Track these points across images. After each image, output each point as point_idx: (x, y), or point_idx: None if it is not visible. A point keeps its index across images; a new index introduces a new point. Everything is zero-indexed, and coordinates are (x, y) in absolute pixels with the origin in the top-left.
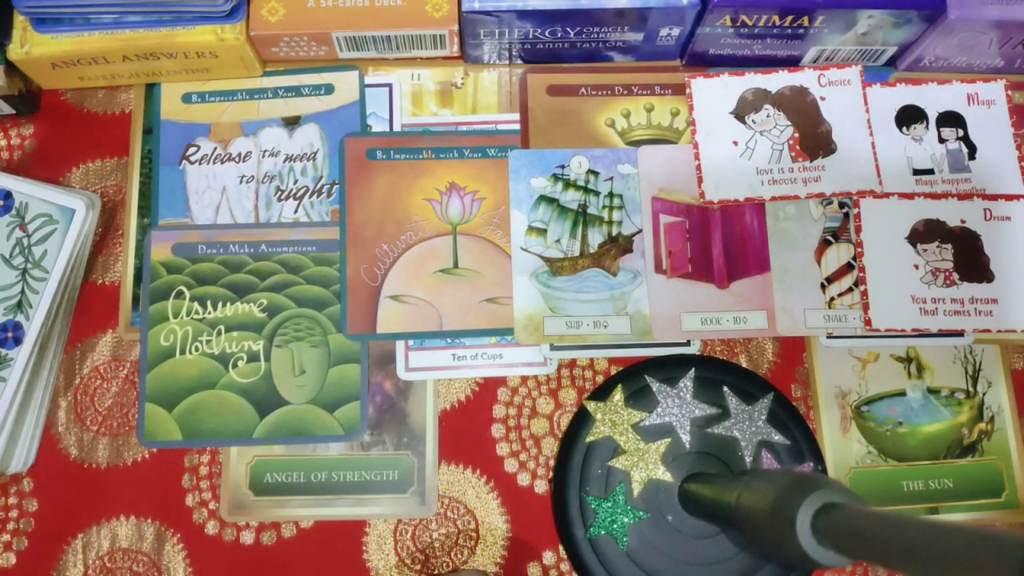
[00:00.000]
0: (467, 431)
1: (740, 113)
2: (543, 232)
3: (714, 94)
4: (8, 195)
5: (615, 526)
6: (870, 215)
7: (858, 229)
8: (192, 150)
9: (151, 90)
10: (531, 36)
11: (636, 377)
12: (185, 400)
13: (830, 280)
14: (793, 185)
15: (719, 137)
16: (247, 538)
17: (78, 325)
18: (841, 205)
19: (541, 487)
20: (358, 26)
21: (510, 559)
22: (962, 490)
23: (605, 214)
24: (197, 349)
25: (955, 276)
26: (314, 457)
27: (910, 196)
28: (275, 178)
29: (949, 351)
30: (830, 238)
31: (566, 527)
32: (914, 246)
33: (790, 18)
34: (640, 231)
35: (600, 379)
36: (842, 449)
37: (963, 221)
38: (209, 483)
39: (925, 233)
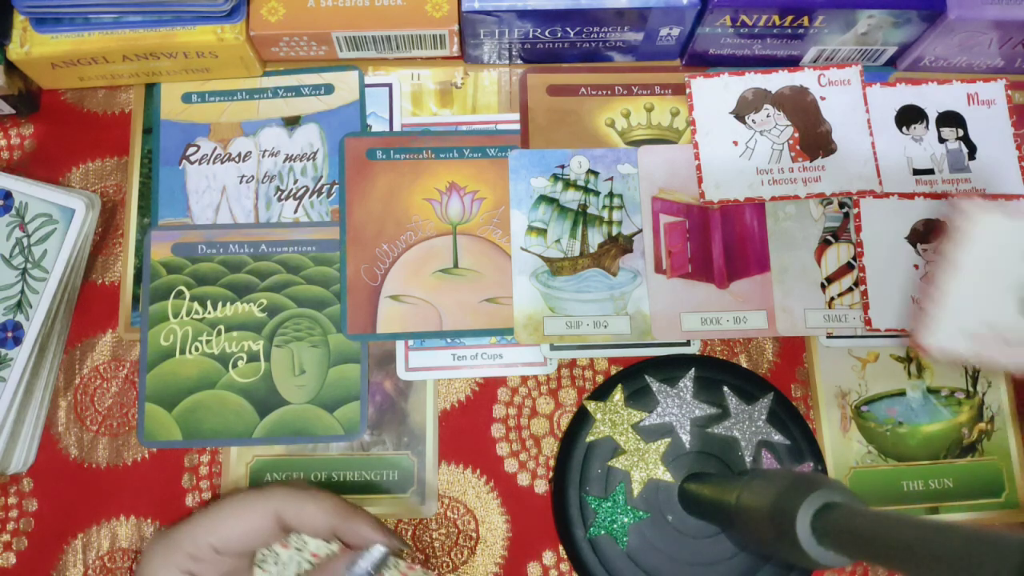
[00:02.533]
0: (467, 431)
1: (740, 113)
2: (543, 232)
3: (714, 94)
4: (8, 195)
5: (615, 526)
6: (870, 215)
7: (858, 229)
8: (192, 150)
9: (151, 90)
10: (531, 36)
11: (636, 377)
12: (185, 400)
13: (830, 280)
14: (793, 185)
15: (719, 137)
16: None
17: (78, 325)
18: (841, 205)
19: (541, 487)
20: (358, 26)
21: (510, 559)
22: (962, 490)
23: (605, 214)
24: (197, 349)
25: None
26: (314, 457)
27: (910, 196)
28: (275, 178)
29: None
30: (830, 238)
31: (566, 527)
32: (914, 246)
33: (790, 18)
34: (640, 231)
35: (600, 379)
36: (842, 449)
37: None
38: (209, 483)
39: (925, 233)
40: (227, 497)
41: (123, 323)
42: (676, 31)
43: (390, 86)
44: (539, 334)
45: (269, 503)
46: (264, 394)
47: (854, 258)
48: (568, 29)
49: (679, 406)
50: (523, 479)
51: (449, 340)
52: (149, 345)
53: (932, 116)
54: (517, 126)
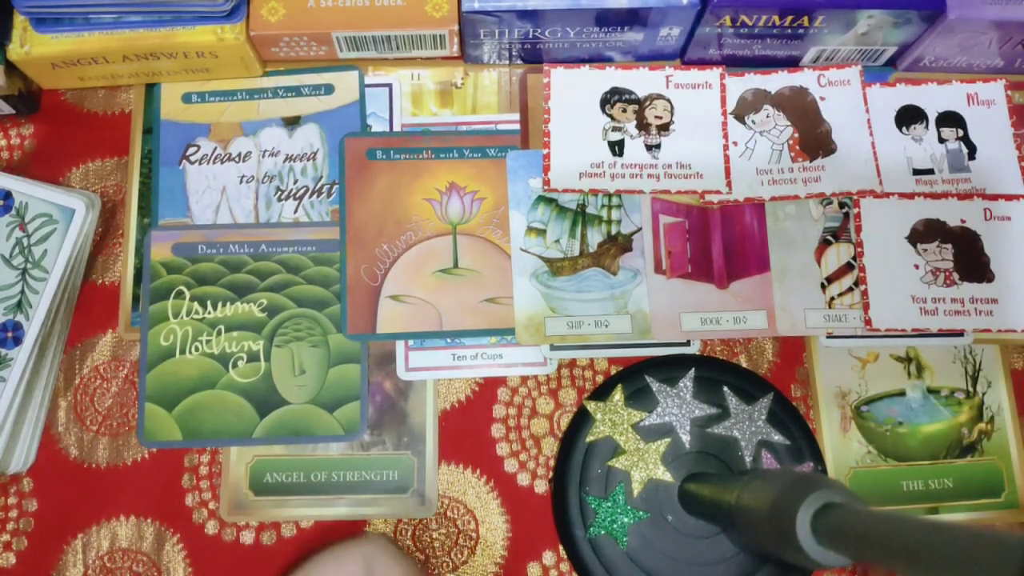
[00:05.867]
0: (467, 431)
1: (739, 113)
2: (542, 232)
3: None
4: (8, 195)
5: (615, 526)
6: (870, 215)
7: (858, 229)
8: (192, 150)
9: (151, 90)
10: (531, 36)
11: (636, 377)
12: (185, 400)
13: (830, 280)
14: (793, 185)
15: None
16: (247, 538)
17: (78, 325)
18: (841, 205)
19: (541, 487)
20: (358, 26)
21: (510, 559)
22: (962, 490)
23: (604, 213)
24: (197, 349)
25: (955, 276)
26: (314, 457)
27: (910, 196)
28: (275, 178)
29: (949, 351)
30: (830, 238)
31: (566, 527)
32: (914, 246)
33: (790, 18)
34: (639, 229)
35: (600, 379)
36: (842, 449)
37: (963, 221)
38: (209, 483)
39: (925, 233)
40: (323, 549)
41: (123, 323)
42: (676, 31)
43: (390, 86)
44: (540, 335)
45: (362, 549)
46: (264, 394)
47: (854, 258)
48: (568, 29)
49: (679, 406)
50: (523, 479)
51: (449, 340)
52: (149, 345)
53: (932, 116)
54: (517, 126)
